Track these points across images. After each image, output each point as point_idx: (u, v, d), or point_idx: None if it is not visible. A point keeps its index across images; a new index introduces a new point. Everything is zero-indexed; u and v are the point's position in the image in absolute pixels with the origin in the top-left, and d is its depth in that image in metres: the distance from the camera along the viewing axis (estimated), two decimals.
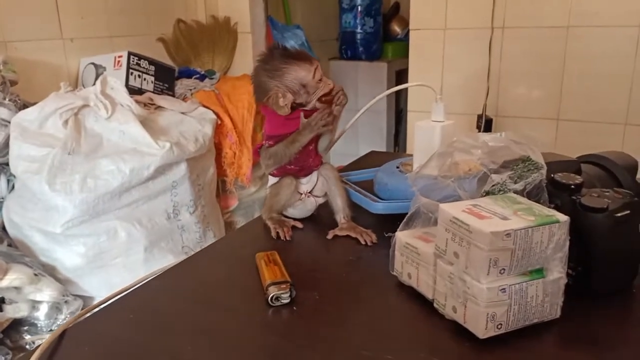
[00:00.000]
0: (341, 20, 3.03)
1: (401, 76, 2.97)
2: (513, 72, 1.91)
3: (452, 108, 1.99)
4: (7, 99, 1.54)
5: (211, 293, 0.67)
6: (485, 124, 1.93)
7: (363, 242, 0.77)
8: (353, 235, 0.79)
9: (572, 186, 0.61)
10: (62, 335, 0.57)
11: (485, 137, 0.64)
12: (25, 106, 1.57)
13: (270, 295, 0.61)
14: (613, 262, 0.60)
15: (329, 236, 0.80)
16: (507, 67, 1.91)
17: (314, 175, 0.85)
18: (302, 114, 0.81)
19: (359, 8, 2.94)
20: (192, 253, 1.68)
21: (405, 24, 3.07)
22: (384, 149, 3.06)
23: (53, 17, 1.77)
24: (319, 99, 0.80)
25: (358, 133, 3.03)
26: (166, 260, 1.63)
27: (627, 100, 1.76)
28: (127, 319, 0.61)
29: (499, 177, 0.62)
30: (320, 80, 0.79)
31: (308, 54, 0.81)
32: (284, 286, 0.62)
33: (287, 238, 0.79)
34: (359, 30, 2.97)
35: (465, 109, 1.99)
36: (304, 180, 0.85)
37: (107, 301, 0.63)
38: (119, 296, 0.64)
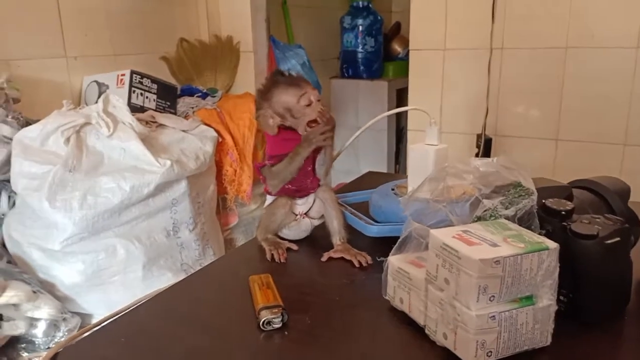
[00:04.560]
0: (342, 40, 3.07)
1: (402, 95, 2.99)
2: (512, 93, 1.92)
3: (451, 127, 2.01)
4: (9, 117, 1.55)
5: (204, 316, 0.67)
6: (485, 144, 1.94)
7: (357, 265, 0.78)
8: (347, 257, 0.79)
9: (563, 212, 0.61)
10: (54, 358, 0.57)
11: (476, 162, 0.65)
12: (27, 124, 1.58)
13: (262, 320, 0.61)
14: (604, 289, 0.60)
15: (324, 259, 0.80)
16: (506, 88, 1.92)
17: (311, 197, 0.86)
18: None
19: (360, 28, 2.97)
20: (191, 270, 1.69)
21: (406, 43, 3.09)
22: (385, 168, 3.07)
23: (57, 35, 1.80)
24: (308, 124, 0.80)
25: (359, 151, 3.04)
26: (165, 278, 1.63)
27: (626, 120, 1.77)
28: (120, 342, 0.61)
29: (490, 202, 0.62)
30: (309, 105, 0.80)
31: (300, 80, 0.82)
32: (276, 310, 0.62)
33: (282, 260, 0.80)
34: (360, 49, 3.00)
35: (464, 128, 2.00)
36: (299, 201, 0.85)
37: (99, 324, 0.63)
38: (111, 319, 0.64)
